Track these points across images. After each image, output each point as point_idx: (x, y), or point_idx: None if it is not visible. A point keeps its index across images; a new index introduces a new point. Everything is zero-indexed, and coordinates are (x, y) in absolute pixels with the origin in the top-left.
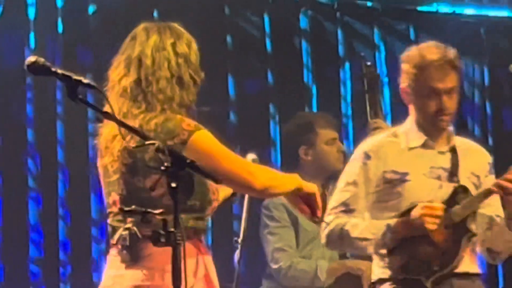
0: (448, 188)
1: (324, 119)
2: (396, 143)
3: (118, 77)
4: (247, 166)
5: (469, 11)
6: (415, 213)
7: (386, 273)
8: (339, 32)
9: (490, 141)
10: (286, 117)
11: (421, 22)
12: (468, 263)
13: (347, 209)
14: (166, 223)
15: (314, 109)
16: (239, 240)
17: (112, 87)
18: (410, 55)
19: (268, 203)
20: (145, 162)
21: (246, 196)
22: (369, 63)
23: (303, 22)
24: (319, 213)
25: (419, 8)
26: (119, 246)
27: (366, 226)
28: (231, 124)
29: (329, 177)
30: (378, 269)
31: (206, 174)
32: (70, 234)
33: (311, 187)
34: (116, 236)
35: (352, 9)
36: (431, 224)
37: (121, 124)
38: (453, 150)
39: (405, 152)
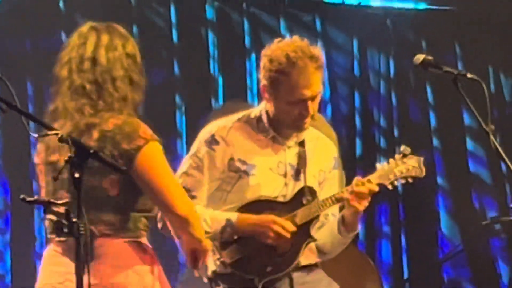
0: (292, 187)
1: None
2: (246, 131)
3: (70, 74)
4: (180, 191)
5: (375, 2)
6: (263, 224)
7: (220, 267)
8: (246, 23)
9: (396, 132)
10: (192, 107)
11: (328, 14)
12: (305, 256)
13: (188, 195)
14: (69, 213)
15: (221, 100)
16: None
17: (62, 84)
18: (274, 56)
19: None
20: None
21: None
22: None
23: (210, 13)
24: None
25: (326, 0)
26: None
27: (205, 218)
28: (137, 114)
29: None
30: (212, 262)
31: (110, 164)
32: None
33: (208, 245)
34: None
35: (259, 0)
36: (273, 241)
37: (21, 112)
38: (301, 145)
39: (254, 142)
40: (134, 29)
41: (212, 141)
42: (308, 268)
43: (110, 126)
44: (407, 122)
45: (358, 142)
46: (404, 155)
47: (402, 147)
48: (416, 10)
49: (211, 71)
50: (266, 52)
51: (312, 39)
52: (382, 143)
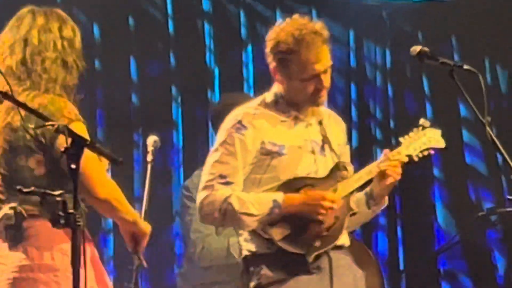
0: (322, 162)
1: (249, 100)
2: (268, 114)
3: (3, 56)
4: (102, 174)
5: None
6: (312, 201)
7: (262, 247)
8: (242, 14)
9: (392, 123)
10: (188, 99)
11: (324, 5)
12: (343, 237)
13: (225, 181)
14: (65, 204)
15: (217, 92)
16: None
17: None
18: (280, 38)
19: (188, 184)
20: (26, 142)
21: (148, 179)
22: None
23: (206, 4)
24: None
25: None
26: (2, 226)
27: (250, 201)
28: (133, 106)
29: None
30: (251, 244)
31: (106, 154)
32: None
33: (146, 227)
34: None
35: None
36: (322, 216)
37: (19, 104)
38: (320, 122)
39: (278, 124)
40: (130, 20)
41: (240, 127)
42: (344, 249)
43: (35, 105)
44: (403, 114)
45: (354, 133)
46: (424, 128)
47: (422, 120)
48: (412, 2)
49: (207, 62)
50: (270, 36)
51: None
52: (378, 134)
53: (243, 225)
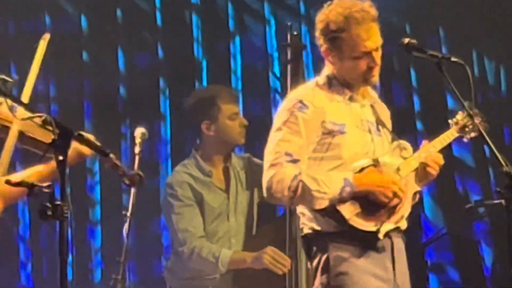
0: (378, 142)
1: (226, 93)
2: (325, 95)
3: None
4: None
5: None
6: (383, 184)
7: (329, 226)
8: (230, 6)
9: None
10: (176, 91)
11: None
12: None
13: (292, 159)
14: (53, 196)
15: (204, 83)
16: (128, 214)
17: None
18: (329, 18)
19: (172, 181)
20: None
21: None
22: (295, 33)
23: None
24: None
25: None
26: None
27: (322, 179)
28: (121, 97)
29: (231, 151)
30: (315, 222)
31: (95, 146)
32: None
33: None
34: None
35: None
36: (389, 200)
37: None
38: (372, 105)
39: (336, 103)
40: (119, 12)
41: (302, 106)
42: (401, 233)
43: None
44: (390, 105)
45: None
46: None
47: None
48: None
49: (195, 54)
50: (320, 18)
51: (296, 23)
52: None
53: (314, 203)
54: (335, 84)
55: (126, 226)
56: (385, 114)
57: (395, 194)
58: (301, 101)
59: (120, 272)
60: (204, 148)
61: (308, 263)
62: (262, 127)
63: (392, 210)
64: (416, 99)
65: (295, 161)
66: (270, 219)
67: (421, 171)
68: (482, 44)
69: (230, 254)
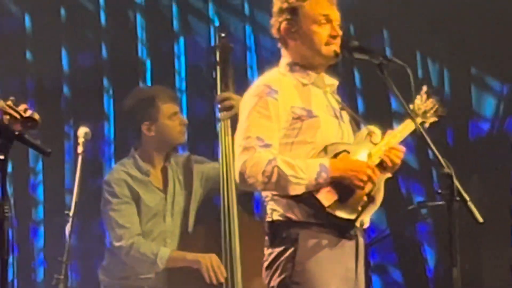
0: (345, 128)
1: (164, 93)
2: (290, 81)
3: None
4: None
5: None
6: (357, 168)
7: (303, 214)
8: (174, 6)
9: None
10: (120, 91)
11: None
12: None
13: (263, 144)
14: None
15: (149, 83)
16: (71, 214)
17: None
18: None
19: (109, 179)
20: None
21: (78, 171)
22: (223, 35)
23: None
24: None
25: None
26: None
27: (297, 164)
28: (64, 97)
29: (171, 151)
30: (287, 209)
31: (35, 146)
32: None
33: None
34: None
35: None
36: (364, 184)
37: None
38: (333, 92)
39: (302, 88)
40: (62, 11)
41: (271, 91)
42: (363, 228)
43: None
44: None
45: None
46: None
47: (425, 88)
48: None
49: (139, 54)
50: (276, 2)
51: (240, 23)
52: None
53: (289, 189)
54: (297, 70)
55: (68, 225)
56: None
57: (369, 178)
58: (269, 86)
59: (63, 272)
60: (144, 147)
61: (265, 249)
62: (207, 126)
63: (364, 195)
64: (360, 101)
65: (267, 146)
66: (207, 219)
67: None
68: (426, 46)
69: (169, 251)
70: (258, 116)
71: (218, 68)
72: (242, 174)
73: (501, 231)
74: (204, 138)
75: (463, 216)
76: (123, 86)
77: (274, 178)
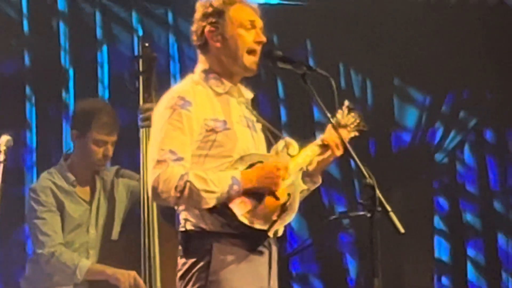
0: (258, 139)
1: (106, 118)
2: (204, 91)
3: None
4: None
5: None
6: (266, 169)
7: (216, 225)
8: (98, 14)
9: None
10: (42, 99)
11: (180, 7)
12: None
13: (176, 158)
14: None
15: (71, 92)
16: None
17: None
18: (209, 1)
19: (36, 187)
20: None
21: None
22: (147, 44)
23: (61, 4)
24: None
25: None
26: None
27: (209, 178)
28: None
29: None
30: (200, 220)
31: None
32: None
33: None
34: None
35: None
36: (277, 186)
37: None
38: (247, 103)
39: (215, 99)
40: None
41: (185, 103)
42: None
43: None
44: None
45: None
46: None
47: (347, 102)
48: (268, 5)
49: (62, 62)
50: (200, 3)
51: (163, 32)
52: None
53: (201, 203)
54: (212, 77)
55: None
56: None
57: (283, 177)
58: (183, 98)
59: None
60: (73, 158)
61: (178, 258)
62: (129, 136)
63: (278, 206)
64: (283, 110)
65: (179, 159)
66: (131, 230)
67: (318, 165)
68: (349, 57)
69: (89, 263)
70: (171, 129)
71: (141, 77)
72: (155, 189)
73: (423, 241)
74: (126, 147)
75: (385, 226)
76: (46, 94)
77: (186, 193)
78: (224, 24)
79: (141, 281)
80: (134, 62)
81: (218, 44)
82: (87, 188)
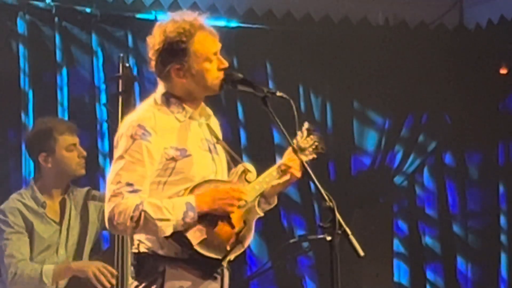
0: (218, 162)
1: (62, 124)
2: (165, 117)
3: None
4: None
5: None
6: (221, 193)
7: (170, 251)
8: (57, 37)
9: None
10: (1, 121)
11: (139, 29)
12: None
13: (132, 189)
14: None
15: (31, 115)
16: None
17: None
18: (170, 31)
19: (4, 208)
20: None
21: None
22: (127, 65)
23: (21, 26)
24: None
25: (138, 16)
26: None
27: (164, 206)
28: None
29: (69, 183)
30: (156, 245)
31: None
32: None
33: None
34: None
35: (71, 15)
36: (232, 209)
37: None
38: (208, 122)
39: (176, 126)
40: None
41: (145, 133)
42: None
43: None
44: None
45: None
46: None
47: (307, 124)
48: (227, 28)
49: (22, 85)
50: (157, 39)
51: (123, 54)
52: None
53: (157, 231)
54: (173, 102)
55: None
56: (218, 130)
57: (239, 199)
58: (143, 127)
59: None
60: (43, 179)
61: (129, 278)
62: (88, 158)
63: (234, 233)
64: (242, 133)
65: (136, 191)
66: (102, 251)
67: (274, 188)
68: (309, 80)
69: (53, 266)
70: (130, 161)
71: (120, 98)
72: (111, 220)
73: (382, 264)
74: (86, 169)
75: (345, 249)
76: (5, 116)
77: (141, 223)
78: (189, 60)
79: (109, 267)
80: (113, 82)
81: (184, 80)
82: (57, 209)
